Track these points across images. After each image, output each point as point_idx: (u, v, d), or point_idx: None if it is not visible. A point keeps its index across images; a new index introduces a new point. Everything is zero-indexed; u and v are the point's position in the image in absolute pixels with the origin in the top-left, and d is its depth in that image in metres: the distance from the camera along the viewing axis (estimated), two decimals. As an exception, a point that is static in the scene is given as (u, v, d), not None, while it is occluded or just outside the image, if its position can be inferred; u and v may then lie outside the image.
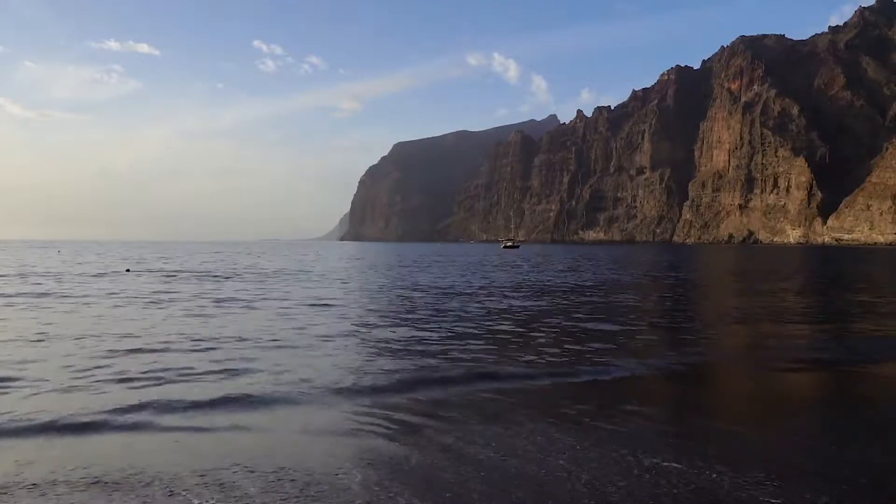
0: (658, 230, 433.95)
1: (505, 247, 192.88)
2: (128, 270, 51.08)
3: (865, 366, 13.95)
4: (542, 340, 16.98)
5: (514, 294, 31.66)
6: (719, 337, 18.86)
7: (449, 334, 17.91)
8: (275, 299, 28.04)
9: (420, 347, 15.67)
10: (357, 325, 20.03)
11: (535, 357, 14.49)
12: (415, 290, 33.96)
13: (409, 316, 22.34)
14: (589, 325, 20.06)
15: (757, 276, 54.20)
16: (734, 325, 21.67)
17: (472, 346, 15.81)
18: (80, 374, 12.32)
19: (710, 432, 9.17)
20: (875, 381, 12.92)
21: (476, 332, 18.50)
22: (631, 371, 12.95)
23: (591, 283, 40.32)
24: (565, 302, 28.27)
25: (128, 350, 15.01)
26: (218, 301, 27.14)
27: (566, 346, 16.03)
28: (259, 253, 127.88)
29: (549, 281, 42.54)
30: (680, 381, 12.76)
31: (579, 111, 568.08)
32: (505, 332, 18.79)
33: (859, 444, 8.50)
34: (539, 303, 27.75)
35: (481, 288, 35.41)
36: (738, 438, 8.77)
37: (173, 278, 44.04)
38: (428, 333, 17.98)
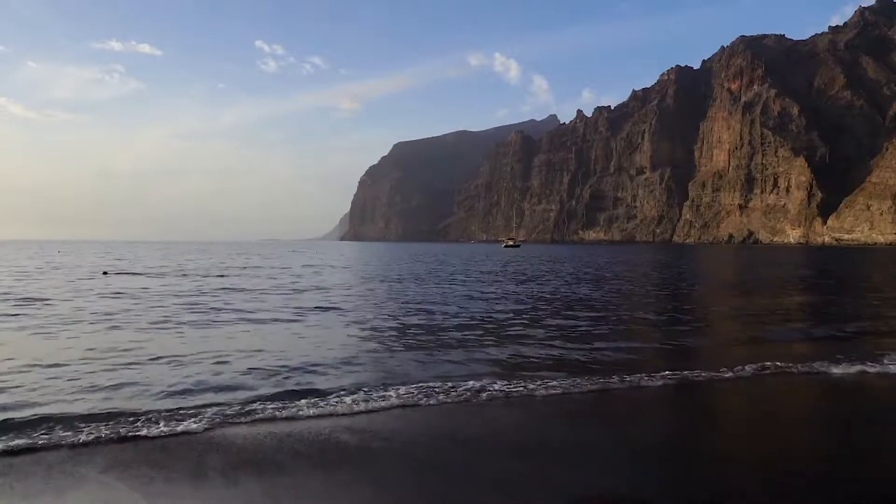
0: (658, 230, 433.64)
1: (506, 246, 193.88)
2: (105, 273, 48.62)
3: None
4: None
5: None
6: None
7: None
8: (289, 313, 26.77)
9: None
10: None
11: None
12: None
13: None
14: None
15: (788, 282, 52.52)
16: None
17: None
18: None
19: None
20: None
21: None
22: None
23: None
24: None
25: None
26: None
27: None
28: (255, 253, 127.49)
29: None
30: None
31: (579, 111, 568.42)
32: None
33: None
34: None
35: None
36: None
37: (150, 281, 43.59)
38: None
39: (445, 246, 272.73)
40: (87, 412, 9.66)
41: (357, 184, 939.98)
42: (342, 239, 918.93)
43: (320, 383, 11.68)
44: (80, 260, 79.10)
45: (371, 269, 61.12)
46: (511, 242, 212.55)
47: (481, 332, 18.27)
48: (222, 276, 47.43)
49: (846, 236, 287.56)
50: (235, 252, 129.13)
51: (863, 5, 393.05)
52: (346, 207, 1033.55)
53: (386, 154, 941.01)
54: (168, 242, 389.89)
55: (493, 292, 32.35)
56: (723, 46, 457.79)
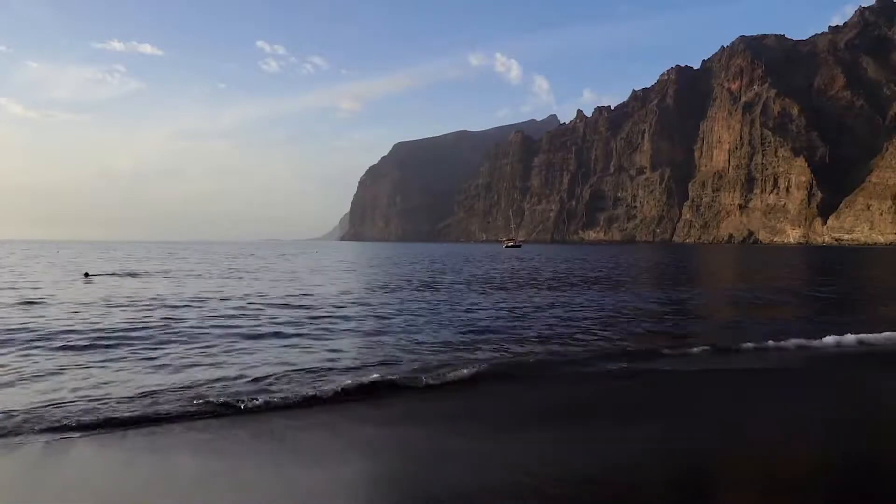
0: (658, 230, 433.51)
1: (507, 246, 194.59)
2: (87, 275, 46.62)
3: None
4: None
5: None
6: None
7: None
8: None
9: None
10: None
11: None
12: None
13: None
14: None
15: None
16: None
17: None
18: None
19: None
20: None
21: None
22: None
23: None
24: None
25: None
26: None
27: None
28: (251, 253, 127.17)
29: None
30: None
31: (579, 111, 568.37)
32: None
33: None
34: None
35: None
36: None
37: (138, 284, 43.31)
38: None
39: (447, 246, 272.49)
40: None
41: (357, 184, 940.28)
42: (342, 239, 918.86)
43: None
44: (76, 260, 78.92)
45: (390, 272, 60.51)
46: (511, 243, 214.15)
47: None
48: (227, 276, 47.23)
49: (846, 236, 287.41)
50: (235, 252, 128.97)
51: (863, 5, 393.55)
52: (346, 207, 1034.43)
53: (386, 154, 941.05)
54: (168, 242, 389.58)
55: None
56: (723, 46, 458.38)
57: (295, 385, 12.24)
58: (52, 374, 13.16)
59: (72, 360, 14.42)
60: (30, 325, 19.65)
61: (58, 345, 16.26)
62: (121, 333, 18.14)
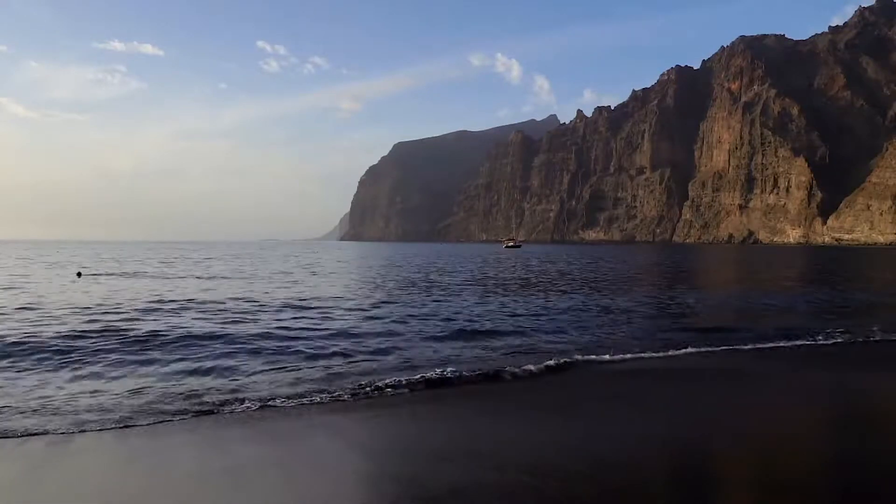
0: (658, 230, 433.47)
1: (507, 247, 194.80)
2: (79, 274, 45.89)
3: None
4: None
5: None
6: None
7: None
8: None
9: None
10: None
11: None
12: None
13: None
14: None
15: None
16: None
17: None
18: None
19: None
20: None
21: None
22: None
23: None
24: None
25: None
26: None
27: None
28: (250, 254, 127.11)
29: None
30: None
31: (579, 111, 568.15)
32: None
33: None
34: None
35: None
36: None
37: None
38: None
39: (447, 246, 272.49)
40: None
41: (357, 184, 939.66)
42: (342, 239, 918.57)
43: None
44: (72, 259, 78.98)
45: (389, 273, 60.45)
46: (512, 243, 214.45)
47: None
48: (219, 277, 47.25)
49: (846, 236, 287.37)
50: (234, 252, 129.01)
51: (863, 5, 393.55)
52: (346, 207, 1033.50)
53: (386, 154, 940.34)
54: (168, 242, 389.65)
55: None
56: (723, 46, 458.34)
57: (294, 386, 12.31)
58: (47, 375, 13.20)
59: (66, 361, 14.44)
60: (20, 326, 19.68)
61: (50, 345, 16.23)
62: (117, 334, 18.16)
